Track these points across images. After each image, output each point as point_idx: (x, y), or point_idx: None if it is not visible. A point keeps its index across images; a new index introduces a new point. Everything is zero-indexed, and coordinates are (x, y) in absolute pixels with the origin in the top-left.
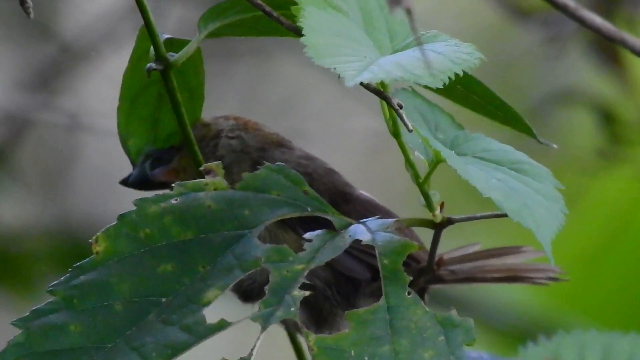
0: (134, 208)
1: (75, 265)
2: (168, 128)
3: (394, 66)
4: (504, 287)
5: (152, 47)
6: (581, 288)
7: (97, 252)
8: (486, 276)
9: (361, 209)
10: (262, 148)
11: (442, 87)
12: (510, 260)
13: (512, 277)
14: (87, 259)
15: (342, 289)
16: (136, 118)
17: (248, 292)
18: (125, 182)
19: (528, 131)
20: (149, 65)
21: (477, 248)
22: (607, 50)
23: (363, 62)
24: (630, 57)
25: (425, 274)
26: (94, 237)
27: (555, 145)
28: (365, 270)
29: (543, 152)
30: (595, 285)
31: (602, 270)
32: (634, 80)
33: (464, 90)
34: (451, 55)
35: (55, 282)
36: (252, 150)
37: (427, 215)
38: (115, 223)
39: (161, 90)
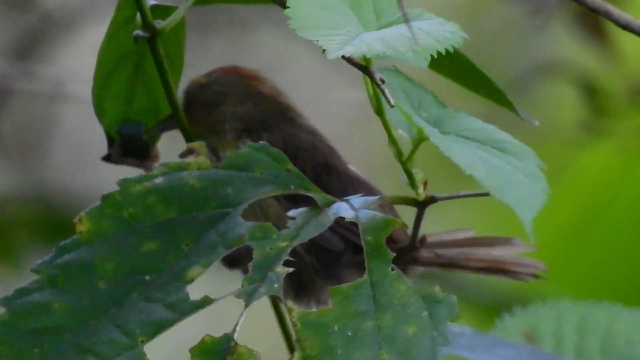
0: (117, 188)
1: (59, 245)
2: (143, 102)
3: (377, 41)
4: None
5: (138, 14)
6: (563, 263)
7: (80, 232)
8: (469, 265)
9: (342, 182)
10: (266, 118)
11: (425, 65)
12: (497, 252)
13: (495, 269)
14: (70, 239)
15: (321, 258)
16: (110, 94)
17: (234, 259)
18: (107, 158)
19: (509, 106)
20: (135, 32)
21: (467, 234)
22: (591, 22)
23: (346, 36)
24: (615, 29)
25: (406, 253)
26: (77, 217)
27: (537, 121)
28: (341, 243)
29: (527, 126)
30: (577, 260)
31: (584, 244)
32: (618, 52)
33: (449, 63)
34: (435, 33)
35: (40, 261)
36: (256, 120)
37: (410, 192)
38: (98, 203)
39: (139, 61)
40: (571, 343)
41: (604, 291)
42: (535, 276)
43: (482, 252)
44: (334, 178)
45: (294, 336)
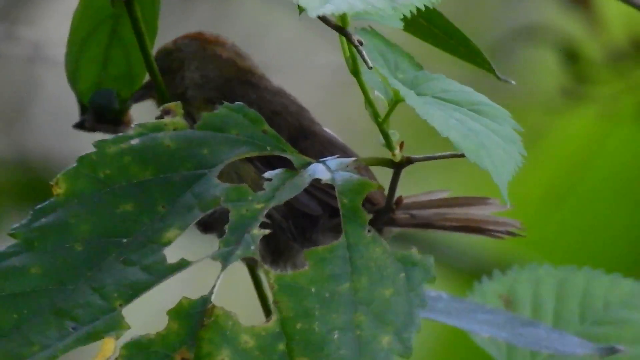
0: (93, 149)
1: (36, 207)
2: (118, 68)
3: None
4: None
5: None
6: (541, 228)
7: (57, 194)
8: (445, 224)
9: (319, 146)
10: (226, 84)
11: (400, 25)
12: (473, 211)
13: (471, 227)
14: (47, 201)
15: (298, 222)
16: (85, 59)
17: (208, 224)
18: (79, 126)
19: (487, 67)
20: None
21: (444, 195)
22: None
23: None
24: None
25: (382, 214)
26: (54, 179)
27: (513, 82)
28: (318, 207)
29: (506, 90)
30: (556, 226)
31: (563, 209)
32: (599, 18)
33: (426, 24)
34: None
35: (17, 225)
36: (216, 86)
37: (387, 154)
38: (74, 164)
39: (115, 27)
40: (549, 307)
41: (582, 256)
42: (512, 234)
43: (458, 212)
44: (310, 142)
45: (270, 298)
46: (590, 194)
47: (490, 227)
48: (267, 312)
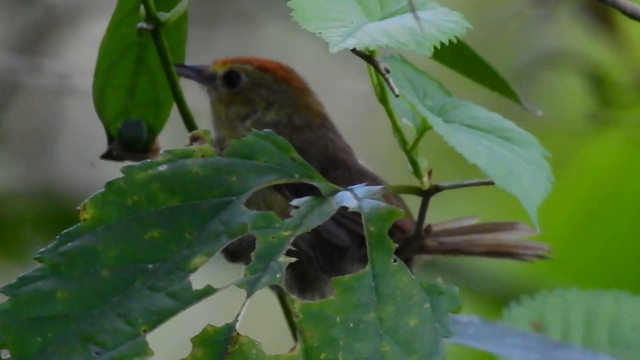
0: (121, 175)
1: (62, 232)
2: (144, 95)
3: (379, 32)
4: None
5: (142, 6)
6: (569, 253)
7: (84, 220)
8: (474, 250)
9: (349, 176)
10: (302, 127)
11: (429, 53)
12: (502, 236)
13: (500, 252)
14: (74, 226)
15: (326, 253)
16: (112, 87)
17: (235, 252)
18: (107, 156)
19: (514, 97)
20: (139, 24)
21: (473, 222)
22: (598, 11)
23: (349, 28)
24: (622, 18)
25: (412, 242)
26: (81, 204)
27: (540, 112)
28: (348, 237)
29: (533, 116)
30: (584, 251)
31: (591, 236)
32: (625, 41)
33: (452, 54)
34: (438, 23)
35: (43, 249)
36: (296, 128)
37: (415, 182)
38: (102, 190)
39: (140, 54)
40: (579, 332)
41: (611, 281)
42: (541, 257)
43: (487, 237)
44: (340, 172)
45: (296, 327)
46: (617, 218)
47: (519, 251)
48: (296, 340)
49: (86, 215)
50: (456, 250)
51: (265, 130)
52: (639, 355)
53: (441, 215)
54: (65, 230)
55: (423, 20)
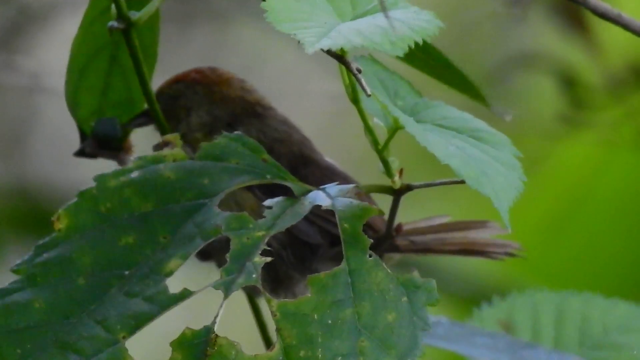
0: (94, 183)
1: (38, 243)
2: (118, 94)
3: (353, 33)
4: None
5: (113, 5)
6: (541, 254)
7: (59, 230)
8: (444, 248)
9: (319, 173)
10: (234, 119)
11: (401, 53)
12: (473, 235)
13: (470, 250)
14: (49, 237)
15: (297, 251)
16: (85, 86)
17: (207, 252)
18: (80, 153)
19: (483, 101)
20: (110, 23)
21: (443, 220)
22: (571, 12)
23: (322, 29)
24: (594, 19)
25: (383, 241)
26: (55, 215)
27: (509, 117)
28: (319, 236)
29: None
30: (556, 252)
31: (562, 237)
32: (598, 43)
33: (423, 56)
34: (411, 22)
35: (19, 261)
36: (225, 123)
37: (386, 181)
38: (75, 199)
39: (114, 53)
40: (549, 332)
41: (582, 283)
42: (511, 255)
43: (458, 236)
44: (310, 170)
45: (273, 326)
46: (589, 220)
47: (490, 249)
48: (267, 341)
49: (60, 225)
50: (427, 249)
51: (235, 132)
52: (609, 356)
53: (413, 215)
54: (41, 242)
55: (395, 19)
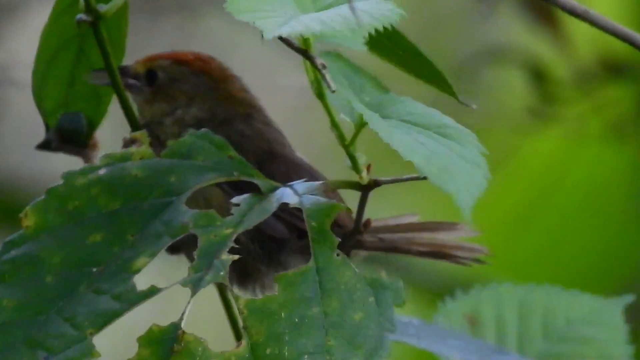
0: (61, 181)
1: (5, 240)
2: (84, 87)
3: (314, 20)
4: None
5: None
6: (507, 249)
7: (27, 227)
8: (411, 248)
9: (285, 168)
10: (228, 118)
11: (363, 47)
12: (441, 236)
13: (437, 252)
14: (17, 234)
15: (265, 245)
16: (52, 78)
17: (175, 247)
18: (44, 146)
19: (450, 91)
20: (78, 16)
21: (413, 219)
22: (539, 7)
23: (283, 18)
24: (562, 14)
25: (350, 237)
26: (23, 212)
27: (475, 105)
28: (286, 230)
29: (473, 111)
30: (523, 245)
31: (530, 230)
32: (566, 38)
33: (390, 44)
34: (372, 11)
35: None
36: (218, 120)
37: (354, 176)
38: (43, 197)
39: (81, 45)
40: (513, 325)
41: (549, 276)
42: (478, 260)
43: (426, 237)
44: (277, 165)
45: (241, 323)
46: (557, 214)
47: (457, 253)
48: (237, 337)
49: (28, 222)
50: (394, 248)
51: (202, 130)
52: (573, 349)
53: (381, 211)
54: (9, 238)
55: (357, 9)
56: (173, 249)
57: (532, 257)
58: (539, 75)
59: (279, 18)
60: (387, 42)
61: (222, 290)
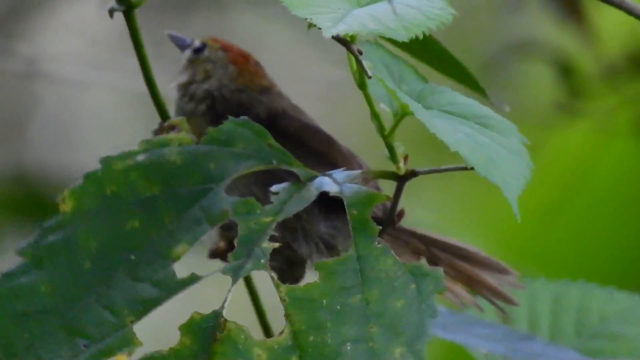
0: (99, 166)
1: (43, 225)
2: None
3: (368, 18)
4: (459, 235)
5: None
6: (537, 243)
7: (64, 212)
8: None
9: (297, 125)
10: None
11: (406, 38)
12: (485, 276)
13: (471, 283)
14: (54, 219)
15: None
16: None
17: (215, 252)
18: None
19: (481, 91)
20: (111, 6)
21: (472, 249)
22: (567, 2)
23: (337, 14)
24: (591, 8)
25: (385, 227)
26: (60, 196)
27: (507, 107)
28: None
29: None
30: (552, 239)
31: (558, 224)
32: (594, 32)
33: (421, 46)
34: (424, 9)
35: (24, 243)
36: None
37: (391, 167)
38: (81, 182)
39: None
40: (545, 321)
41: (578, 270)
42: (501, 309)
43: (470, 270)
44: (287, 121)
45: (271, 312)
46: (585, 208)
47: (489, 297)
48: (264, 328)
49: (66, 207)
50: (434, 260)
51: (241, 117)
52: (605, 346)
53: (410, 204)
54: (46, 224)
55: (408, 6)
56: (213, 255)
57: (558, 251)
58: (566, 70)
59: (333, 14)
60: (418, 45)
61: (249, 281)
